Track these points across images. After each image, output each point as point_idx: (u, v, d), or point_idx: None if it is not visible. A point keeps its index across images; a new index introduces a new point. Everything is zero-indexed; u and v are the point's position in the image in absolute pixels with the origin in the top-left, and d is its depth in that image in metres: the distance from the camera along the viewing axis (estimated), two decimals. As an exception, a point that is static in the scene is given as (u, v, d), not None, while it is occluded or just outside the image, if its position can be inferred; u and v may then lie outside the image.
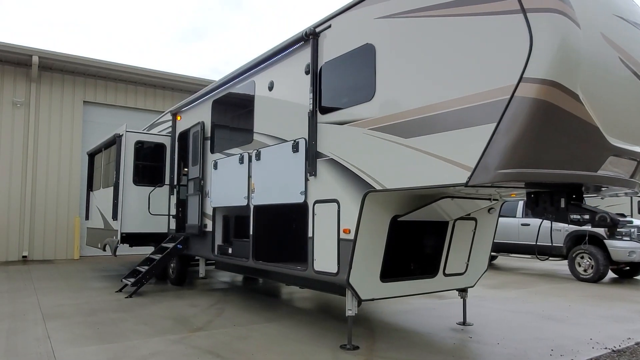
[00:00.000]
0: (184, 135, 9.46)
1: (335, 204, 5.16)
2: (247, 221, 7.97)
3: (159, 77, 16.14)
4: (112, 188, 10.15)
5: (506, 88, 3.57)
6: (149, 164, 9.87)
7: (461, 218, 5.78)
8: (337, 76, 5.34)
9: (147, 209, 9.20)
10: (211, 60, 55.93)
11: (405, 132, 4.39)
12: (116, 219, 9.43)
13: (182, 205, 9.51)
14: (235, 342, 5.34)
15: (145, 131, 10.05)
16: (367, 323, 6.36)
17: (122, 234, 9.28)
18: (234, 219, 7.81)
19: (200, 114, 8.59)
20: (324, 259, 5.28)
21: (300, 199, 5.68)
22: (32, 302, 7.53)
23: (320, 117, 5.50)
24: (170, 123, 10.38)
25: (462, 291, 6.37)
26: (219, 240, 7.96)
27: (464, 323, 6.38)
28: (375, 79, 4.77)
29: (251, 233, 6.71)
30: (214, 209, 7.90)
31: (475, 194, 4.90)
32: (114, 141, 10.03)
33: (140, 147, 9.74)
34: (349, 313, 5.23)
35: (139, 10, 54.22)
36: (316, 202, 5.47)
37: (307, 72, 5.79)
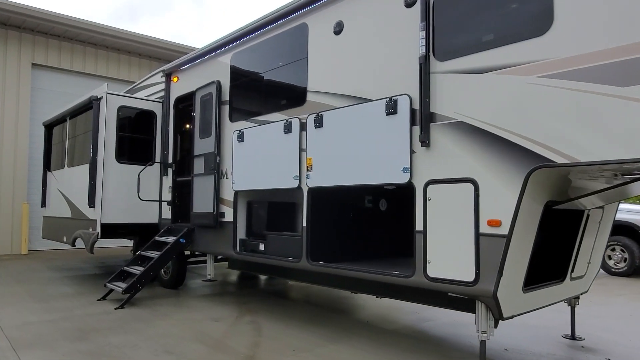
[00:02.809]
0: (184, 100, 7.53)
1: (471, 185, 3.64)
2: (292, 209, 6.33)
3: (126, 38, 13.69)
4: (81, 167, 8.04)
5: None
6: (136, 137, 7.84)
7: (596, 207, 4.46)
8: (468, 4, 3.79)
9: (136, 194, 7.22)
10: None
11: (624, 78, 2.94)
12: (93, 206, 7.37)
13: (178, 189, 7.61)
14: (321, 381, 3.74)
15: (129, 95, 8.01)
16: (466, 339, 4.93)
17: (102, 225, 7.25)
18: (266, 207, 6.09)
19: (213, 72, 6.73)
20: (448, 261, 3.77)
21: (401, 179, 4.11)
22: (-14, 320, 5.47)
23: (438, 65, 3.94)
24: (157, 87, 8.37)
25: (575, 298, 5.09)
26: (241, 234, 6.21)
27: (572, 337, 5.11)
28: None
29: (304, 225, 5.06)
30: (236, 194, 6.13)
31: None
32: (87, 107, 7.90)
33: (124, 114, 7.69)
34: (483, 337, 3.76)
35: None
36: (430, 182, 3.92)
37: (409, 4, 4.19)
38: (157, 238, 7.24)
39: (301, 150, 5.14)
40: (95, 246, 7.53)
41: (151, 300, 6.65)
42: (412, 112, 4.08)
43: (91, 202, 7.37)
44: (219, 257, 7.35)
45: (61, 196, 8.95)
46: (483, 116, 3.60)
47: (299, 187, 5.13)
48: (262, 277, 8.96)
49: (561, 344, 4.89)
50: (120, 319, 5.57)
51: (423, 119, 3.95)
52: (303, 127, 5.14)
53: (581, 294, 5.02)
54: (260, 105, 5.91)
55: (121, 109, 7.60)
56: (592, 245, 4.83)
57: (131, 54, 14.53)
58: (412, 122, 4.08)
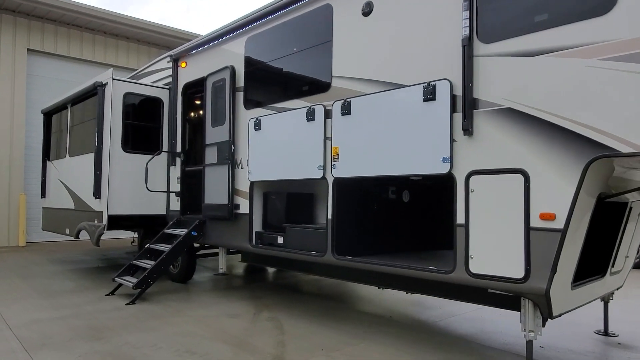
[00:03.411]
0: (193, 87, 7.22)
1: (520, 176, 3.41)
2: (310, 200, 6.09)
3: (125, 24, 13.25)
4: (85, 156, 7.72)
5: None
6: (143, 125, 7.52)
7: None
8: (518, -17, 3.53)
9: (144, 185, 6.92)
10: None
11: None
12: (99, 197, 7.07)
13: (187, 179, 7.32)
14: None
15: (135, 81, 7.66)
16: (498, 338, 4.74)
17: (109, 216, 6.95)
18: (283, 198, 5.83)
19: (226, 57, 6.41)
20: (493, 257, 3.55)
21: (441, 169, 3.87)
22: (-9, 317, 5.19)
23: (482, 48, 3.68)
24: (163, 73, 8.04)
25: (610, 293, 4.91)
26: (257, 226, 5.96)
27: (606, 333, 4.94)
28: (619, -23, 3.03)
29: (329, 217, 4.81)
30: (252, 184, 5.87)
31: None
32: (91, 93, 7.56)
33: (130, 101, 7.36)
34: (530, 337, 3.56)
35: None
36: (473, 173, 3.69)
37: (449, -18, 3.92)
38: (166, 231, 6.96)
39: (325, 139, 4.88)
40: (86, 237, 7.25)
41: (161, 295, 6.39)
42: (453, 98, 3.83)
43: (97, 193, 7.07)
44: (230, 250, 7.10)
45: (63, 187, 8.62)
46: (535, 102, 3.36)
47: (324, 178, 4.87)
48: (270, 270, 8.73)
49: (596, 341, 4.72)
50: (133, 316, 5.31)
51: (466, 105, 3.70)
52: (328, 114, 4.87)
53: (617, 289, 4.86)
54: (278, 92, 5.62)
55: (127, 95, 7.27)
56: (631, 238, 4.64)
57: (130, 40, 14.09)
58: (453, 109, 3.83)
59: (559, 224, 3.22)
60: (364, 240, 5.10)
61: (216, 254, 7.54)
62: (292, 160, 5.24)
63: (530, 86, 3.39)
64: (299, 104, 5.22)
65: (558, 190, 3.24)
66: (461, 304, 5.91)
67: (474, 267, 3.66)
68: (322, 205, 6.11)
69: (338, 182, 4.78)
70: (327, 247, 4.81)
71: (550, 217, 3.26)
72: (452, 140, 3.81)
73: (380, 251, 5.24)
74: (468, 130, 3.69)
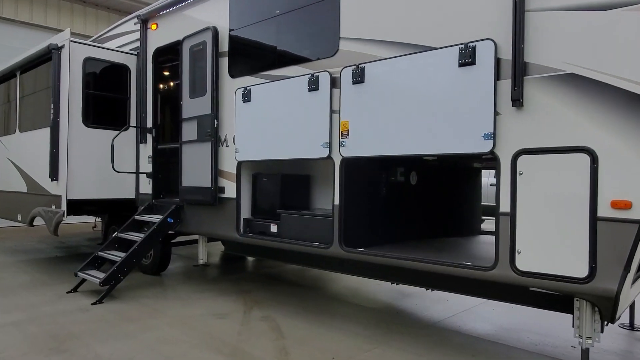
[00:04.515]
0: (166, 52, 6.31)
1: (585, 156, 2.84)
2: (306, 183, 5.41)
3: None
4: (39, 132, 6.71)
5: None
6: (107, 96, 6.56)
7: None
8: None
9: (109, 164, 6.02)
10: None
11: None
12: (56, 179, 6.13)
13: (160, 158, 6.46)
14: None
15: (98, 44, 6.63)
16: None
17: (68, 201, 6.03)
18: (275, 180, 5.11)
19: (207, 16, 5.54)
20: (546, 252, 2.99)
21: (481, 148, 3.26)
22: None
23: (537, 1, 3.05)
24: (130, 37, 7.07)
25: (639, 284, 4.50)
26: (246, 213, 5.23)
27: (632, 327, 4.56)
28: None
29: (336, 203, 4.15)
30: (240, 165, 5.11)
31: None
32: (45, 58, 6.51)
33: (92, 68, 6.37)
34: (587, 344, 3.05)
35: None
36: (522, 152, 3.10)
37: None
38: (137, 217, 6.11)
39: (332, 112, 4.17)
40: (39, 222, 6.34)
41: (133, 291, 5.60)
42: (497, 62, 3.20)
43: (53, 175, 6.12)
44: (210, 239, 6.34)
45: (12, 167, 7.55)
46: (607, 66, 2.78)
47: (329, 157, 4.19)
48: (250, 257, 8.01)
49: (624, 336, 4.32)
50: (102, 319, 4.52)
51: (516, 70, 3.08)
52: (334, 83, 4.16)
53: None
54: (272, 57, 4.85)
55: (88, 61, 6.28)
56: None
57: (87, 4, 12.73)
58: (498, 75, 3.20)
59: (636, 213, 2.69)
60: (375, 229, 4.49)
61: (193, 242, 6.79)
62: (289, 138, 4.52)
63: (601, 47, 2.80)
64: (298, 71, 4.48)
65: (636, 173, 2.69)
66: (466, 297, 5.42)
67: (522, 264, 3.10)
68: (319, 189, 5.43)
69: (347, 162, 4.11)
70: (333, 238, 4.15)
71: (626, 206, 2.71)
72: (496, 113, 3.20)
73: (390, 240, 4.65)
74: (518, 100, 3.08)
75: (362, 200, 4.36)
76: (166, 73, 7.65)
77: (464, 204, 5.69)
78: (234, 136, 5.09)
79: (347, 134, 4.03)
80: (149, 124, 6.43)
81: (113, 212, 7.24)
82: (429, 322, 4.64)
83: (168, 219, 5.71)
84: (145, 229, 5.95)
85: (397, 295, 5.53)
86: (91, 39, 8.12)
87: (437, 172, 5.36)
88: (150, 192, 6.40)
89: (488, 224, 11.16)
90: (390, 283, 4.29)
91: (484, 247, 4.68)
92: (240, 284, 6.04)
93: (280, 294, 5.58)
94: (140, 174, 6.60)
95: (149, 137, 6.43)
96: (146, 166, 6.50)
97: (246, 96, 4.93)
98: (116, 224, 7.03)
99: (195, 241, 6.55)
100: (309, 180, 5.46)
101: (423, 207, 5.15)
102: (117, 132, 6.16)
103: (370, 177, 4.50)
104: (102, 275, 5.30)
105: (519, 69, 3.07)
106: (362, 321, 4.58)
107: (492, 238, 5.60)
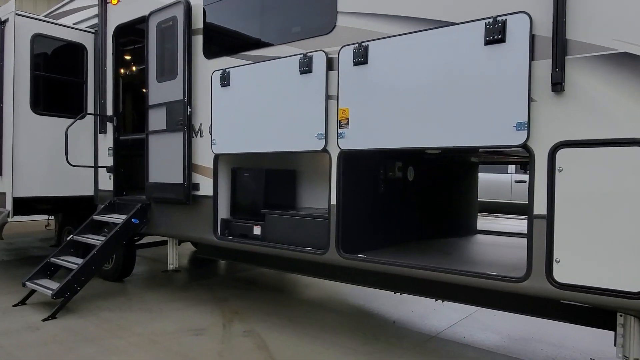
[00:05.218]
0: (129, 30, 5.58)
1: (641, 149, 2.43)
2: (292, 179, 4.86)
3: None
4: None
5: None
6: (60, 79, 5.76)
7: None
8: None
9: (63, 157, 5.26)
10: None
11: None
12: (0, 175, 5.31)
13: (122, 150, 5.74)
14: None
15: (48, 19, 5.79)
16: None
17: (15, 199, 5.23)
18: (258, 176, 4.52)
19: (177, -10, 4.85)
20: (590, 262, 2.57)
21: (513, 140, 2.79)
22: None
23: (582, -33, 2.61)
24: (87, 12, 6.26)
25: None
26: (224, 213, 4.62)
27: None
28: None
29: (333, 202, 3.61)
30: (217, 158, 4.49)
31: None
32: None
33: (42, 47, 5.55)
34: (634, 366, 2.66)
35: None
36: (562, 145, 2.65)
37: None
38: (96, 217, 5.38)
39: (328, 97, 3.63)
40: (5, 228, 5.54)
41: (92, 301, 4.89)
42: (532, 39, 2.74)
43: (-4, 169, 5.30)
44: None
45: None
46: (671, 44, 2.36)
47: (325, 150, 3.64)
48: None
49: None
50: (54, 339, 3.83)
51: (557, 49, 2.63)
52: (331, 64, 3.62)
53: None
54: (255, 35, 4.24)
55: (37, 38, 5.46)
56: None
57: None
58: (534, 56, 2.74)
59: None
60: (373, 231, 3.99)
61: (161, 243, 6.11)
62: (277, 127, 3.94)
63: (663, 21, 2.37)
64: (288, 51, 3.89)
65: None
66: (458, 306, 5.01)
67: (561, 275, 2.67)
68: (306, 186, 4.89)
69: (346, 155, 3.58)
70: (329, 242, 3.62)
71: (692, 208, 2.31)
72: (530, 100, 2.74)
73: (389, 242, 4.17)
74: (559, 84, 2.63)
75: (361, 199, 3.84)
76: (129, 57, 6.92)
77: (461, 201, 5.28)
78: (210, 125, 4.47)
79: (347, 124, 3.50)
80: (110, 112, 5.68)
81: (68, 211, 6.45)
82: (431, 332, 4.20)
83: (132, 220, 5.02)
84: (106, 231, 5.25)
85: (388, 301, 5.06)
86: (44, 14, 7.20)
87: (434, 167, 4.92)
88: (111, 188, 5.67)
89: (485, 223, 10.94)
90: (394, 293, 3.80)
91: (491, 249, 4.27)
92: (216, 291, 5.42)
93: (260, 301, 5.01)
94: (99, 168, 5.85)
95: (110, 126, 5.69)
96: (106, 159, 5.75)
97: (224, 79, 4.30)
98: (72, 225, 6.27)
99: (164, 242, 5.90)
100: (295, 176, 4.90)
101: (420, 205, 4.70)
102: (71, 120, 5.38)
103: (370, 172, 4.00)
104: (55, 285, 4.57)
105: (561, 48, 2.62)
106: (357, 334, 4.08)
107: (491, 238, 5.27)
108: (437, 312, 4.72)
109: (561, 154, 2.66)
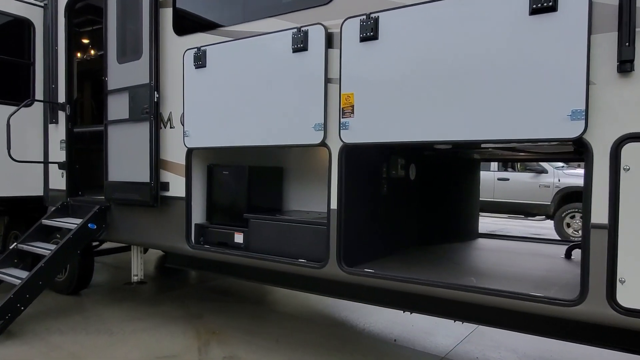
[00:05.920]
0: (87, 7, 4.81)
1: None
2: (278, 178, 4.25)
3: None
4: None
5: None
6: (1, 59, 4.92)
7: None
8: None
9: (7, 151, 4.46)
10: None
11: None
12: None
13: (77, 144, 4.96)
14: None
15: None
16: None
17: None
18: (238, 174, 3.87)
19: (141, -46, 4.12)
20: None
21: (567, 132, 2.27)
22: None
23: None
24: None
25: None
26: (198, 217, 3.95)
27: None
28: None
29: (333, 206, 3.02)
30: (190, 153, 3.82)
31: None
32: None
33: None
34: None
35: None
36: (629, 138, 2.15)
37: None
38: (45, 221, 4.60)
39: (327, 81, 3.02)
40: None
41: (40, 322, 4.13)
42: (590, 7, 2.22)
43: None
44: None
45: None
46: None
47: (323, 144, 3.04)
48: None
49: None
50: (-12, 377, 3.10)
51: (630, 19, 2.11)
52: (331, 40, 3.01)
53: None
54: (237, 6, 3.58)
55: (-29, 10, 4.62)
56: None
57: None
58: (590, 28, 2.22)
59: None
60: (376, 239, 3.43)
61: (124, 250, 5.38)
62: (263, 117, 3.31)
63: None
64: (277, 25, 3.26)
65: None
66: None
67: (626, 298, 2.17)
68: (294, 186, 4.27)
69: (350, 151, 2.99)
70: (329, 253, 3.03)
71: None
72: (589, 83, 2.22)
73: (391, 250, 3.62)
74: (629, 62, 2.12)
75: (363, 201, 3.27)
76: (87, 41, 6.13)
77: (463, 202, 4.79)
78: (182, 114, 3.79)
79: (352, 112, 2.91)
80: (62, 99, 4.89)
81: (15, 213, 5.61)
82: (439, 351, 3.69)
83: (89, 225, 4.28)
84: (58, 237, 4.50)
85: (382, 315, 4.51)
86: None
87: (435, 164, 4.40)
88: (64, 188, 4.89)
89: (487, 224, 10.56)
90: (404, 312, 3.24)
91: (505, 256, 3.78)
92: (188, 305, 4.74)
93: (240, 317, 4.37)
94: (50, 164, 5.06)
95: (62, 115, 4.90)
96: (58, 154, 4.97)
97: (199, 60, 3.63)
98: (20, 230, 5.44)
99: (128, 247, 5.19)
100: (282, 174, 4.28)
101: (421, 207, 4.17)
102: (15, 107, 4.57)
103: (372, 171, 3.43)
104: (-7, 305, 3.80)
105: (632, 18, 2.11)
106: (357, 356, 3.52)
107: (496, 243, 4.80)
108: (439, 326, 4.20)
109: (628, 149, 2.16)
